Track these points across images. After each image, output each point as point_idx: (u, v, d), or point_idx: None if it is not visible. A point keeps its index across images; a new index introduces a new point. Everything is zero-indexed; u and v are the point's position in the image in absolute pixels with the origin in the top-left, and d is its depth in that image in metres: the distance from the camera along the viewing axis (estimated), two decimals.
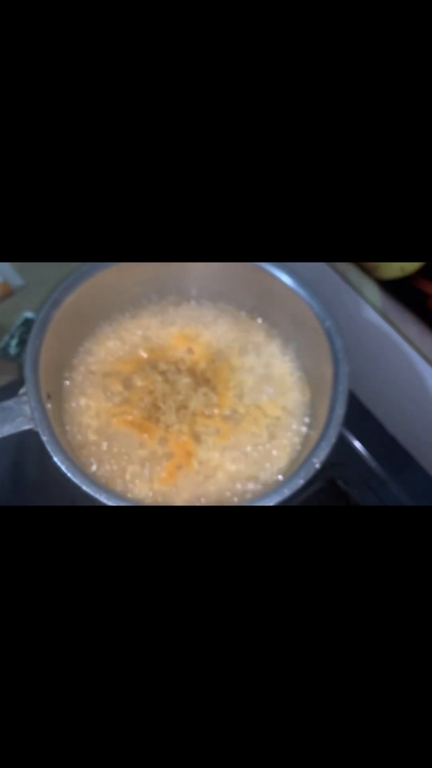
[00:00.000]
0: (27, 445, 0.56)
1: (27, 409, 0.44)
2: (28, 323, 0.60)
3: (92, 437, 0.49)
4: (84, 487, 0.41)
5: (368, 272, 0.54)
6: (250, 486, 0.48)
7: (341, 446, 0.57)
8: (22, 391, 0.45)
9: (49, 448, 0.42)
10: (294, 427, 0.50)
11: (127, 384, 0.52)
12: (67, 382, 0.51)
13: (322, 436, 0.43)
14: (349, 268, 0.56)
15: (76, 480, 0.41)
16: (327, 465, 0.43)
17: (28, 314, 0.61)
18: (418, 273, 0.49)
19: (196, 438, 0.49)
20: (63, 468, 0.41)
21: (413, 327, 0.52)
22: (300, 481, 0.41)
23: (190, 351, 0.54)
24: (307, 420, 0.50)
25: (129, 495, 0.46)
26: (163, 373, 0.52)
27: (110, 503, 0.40)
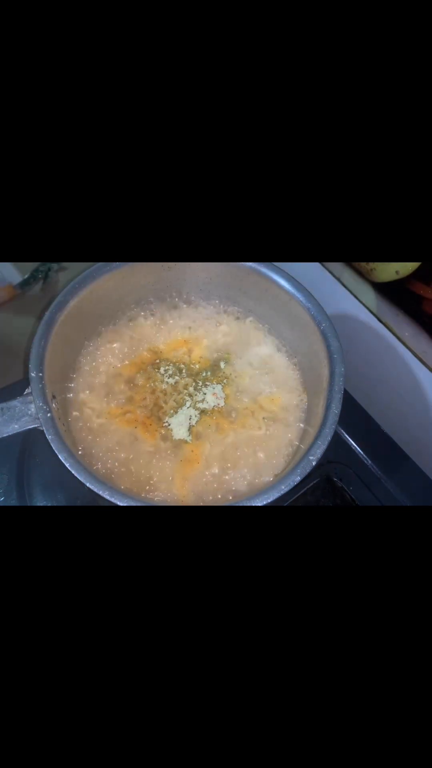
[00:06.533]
0: (32, 443, 0.57)
1: (32, 408, 0.44)
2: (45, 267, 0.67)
3: (96, 436, 0.50)
4: (88, 485, 0.41)
5: (364, 275, 0.54)
6: (249, 481, 0.49)
7: (337, 444, 0.58)
8: (27, 391, 0.45)
9: (54, 446, 0.43)
10: (291, 425, 0.51)
11: (130, 384, 0.53)
12: (72, 383, 0.52)
13: (319, 434, 0.44)
14: (344, 271, 0.57)
15: (80, 477, 0.41)
16: (323, 462, 0.44)
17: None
18: (412, 275, 0.50)
19: (197, 435, 0.51)
20: (67, 465, 0.42)
21: (407, 328, 0.53)
22: (297, 478, 0.42)
23: (190, 351, 0.55)
24: (303, 418, 0.51)
25: (133, 492, 0.47)
26: (164, 373, 0.53)
27: (114, 501, 0.41)
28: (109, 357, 0.54)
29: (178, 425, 0.51)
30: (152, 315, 0.57)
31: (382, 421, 0.61)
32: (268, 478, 0.49)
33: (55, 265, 0.70)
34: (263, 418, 0.52)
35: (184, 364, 0.54)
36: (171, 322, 0.57)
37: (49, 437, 0.43)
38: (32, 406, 0.44)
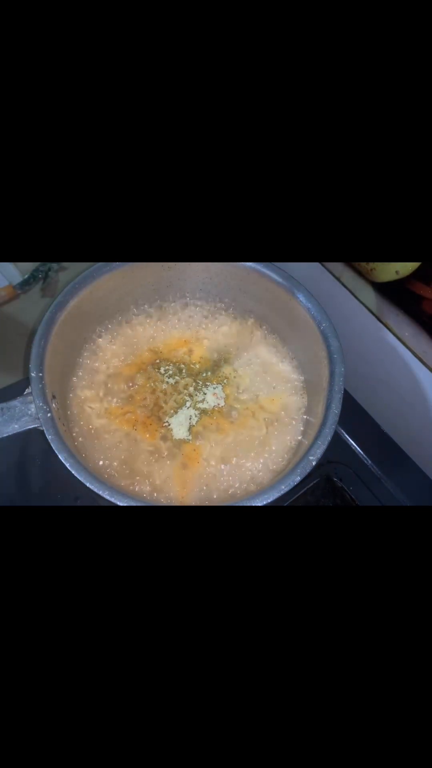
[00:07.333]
0: (32, 443, 0.57)
1: (32, 408, 0.44)
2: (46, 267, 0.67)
3: (96, 436, 0.50)
4: (88, 485, 0.41)
5: (364, 275, 0.54)
6: (249, 481, 0.49)
7: (337, 444, 0.58)
8: (27, 391, 0.45)
9: (54, 446, 0.43)
10: (291, 425, 0.51)
11: (130, 384, 0.53)
12: (72, 383, 0.52)
13: (319, 434, 0.44)
14: (344, 271, 0.57)
15: (80, 477, 0.41)
16: (323, 462, 0.44)
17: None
18: (412, 275, 0.50)
19: (197, 435, 0.51)
20: (67, 465, 0.42)
21: (407, 328, 0.53)
22: (297, 478, 0.42)
23: (190, 351, 0.55)
24: (303, 418, 0.51)
25: (132, 493, 0.47)
26: (164, 373, 0.53)
27: (113, 501, 0.41)
28: (109, 357, 0.54)
29: (178, 425, 0.51)
30: (152, 315, 0.57)
31: (382, 421, 0.61)
32: (268, 478, 0.49)
33: (55, 265, 0.70)
34: (263, 418, 0.52)
35: (184, 364, 0.54)
36: (171, 322, 0.57)
37: (49, 437, 0.43)
38: (32, 406, 0.44)
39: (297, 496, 0.55)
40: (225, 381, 0.54)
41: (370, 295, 0.55)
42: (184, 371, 0.54)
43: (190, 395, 0.52)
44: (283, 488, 0.42)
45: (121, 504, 0.41)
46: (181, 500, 0.48)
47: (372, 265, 0.53)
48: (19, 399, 0.45)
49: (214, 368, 0.54)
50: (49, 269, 0.70)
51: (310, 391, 0.52)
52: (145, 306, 0.57)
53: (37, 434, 0.44)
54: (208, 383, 0.53)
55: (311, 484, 0.56)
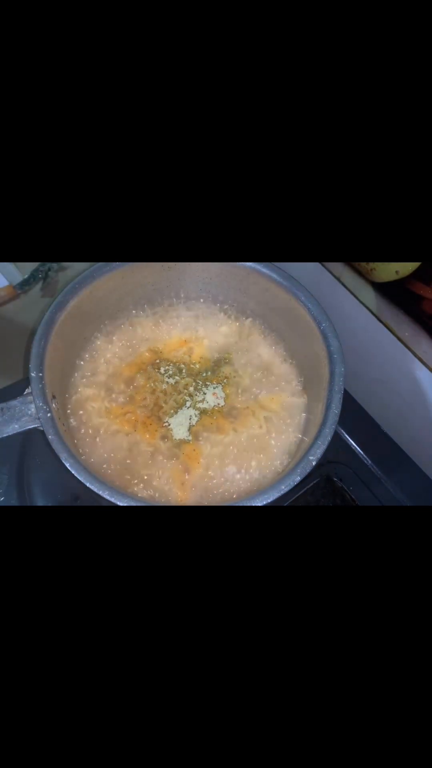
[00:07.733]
0: (32, 443, 0.57)
1: (32, 408, 0.44)
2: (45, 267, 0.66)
3: (96, 436, 0.50)
4: (88, 485, 0.41)
5: (364, 275, 0.54)
6: (249, 481, 0.49)
7: (337, 444, 0.58)
8: (27, 391, 0.45)
9: (54, 446, 0.43)
10: (291, 425, 0.51)
11: (130, 384, 0.53)
12: (72, 383, 0.52)
13: (319, 434, 0.44)
14: (344, 271, 0.57)
15: (80, 478, 0.42)
16: (323, 462, 0.44)
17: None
18: (412, 275, 0.50)
19: (197, 435, 0.51)
20: (67, 466, 0.42)
21: (407, 328, 0.53)
22: (297, 478, 0.42)
23: (190, 351, 0.55)
24: (303, 418, 0.51)
25: (132, 493, 0.47)
26: (164, 373, 0.53)
27: (113, 501, 0.41)
28: (109, 357, 0.54)
29: (178, 425, 0.51)
30: (152, 315, 0.57)
31: (382, 421, 0.61)
32: (268, 478, 0.49)
33: (55, 265, 0.70)
34: (263, 418, 0.52)
35: (184, 364, 0.54)
36: (171, 322, 0.57)
37: (49, 437, 0.43)
38: (32, 406, 0.44)
39: (297, 496, 0.55)
40: (225, 381, 0.54)
41: (370, 295, 0.55)
42: (184, 371, 0.54)
43: (190, 395, 0.52)
44: (283, 488, 0.42)
45: (121, 504, 0.41)
46: (180, 500, 0.48)
47: (372, 265, 0.53)
48: (19, 399, 0.45)
49: (214, 368, 0.54)
50: (49, 269, 0.69)
51: (310, 391, 0.52)
52: (145, 306, 0.57)
53: (37, 434, 0.44)
54: (208, 383, 0.53)
55: (311, 484, 0.56)
